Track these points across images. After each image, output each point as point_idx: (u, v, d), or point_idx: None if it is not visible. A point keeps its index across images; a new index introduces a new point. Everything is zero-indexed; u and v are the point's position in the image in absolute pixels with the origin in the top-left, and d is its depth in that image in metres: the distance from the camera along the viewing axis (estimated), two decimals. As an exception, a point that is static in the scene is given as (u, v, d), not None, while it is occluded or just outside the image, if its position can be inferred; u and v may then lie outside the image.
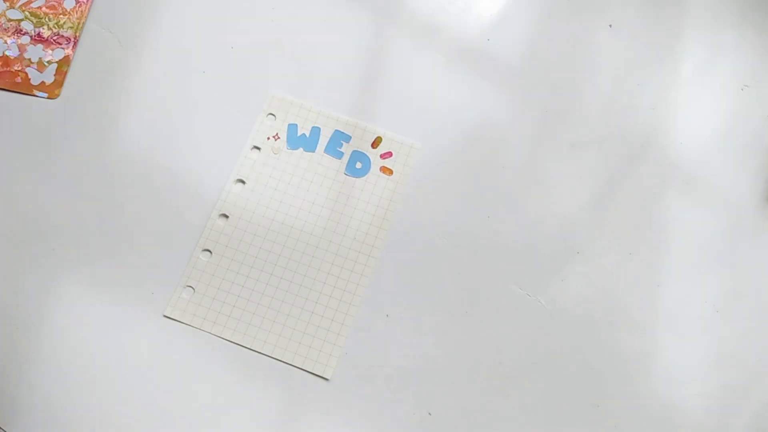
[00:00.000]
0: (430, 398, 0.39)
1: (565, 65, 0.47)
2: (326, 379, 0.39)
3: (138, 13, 0.47)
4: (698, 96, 0.47)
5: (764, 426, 0.40)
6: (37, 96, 0.45)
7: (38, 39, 0.46)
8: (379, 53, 0.47)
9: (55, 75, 0.46)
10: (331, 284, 0.41)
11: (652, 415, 0.40)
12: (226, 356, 0.40)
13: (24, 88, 0.45)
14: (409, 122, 0.45)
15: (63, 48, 0.46)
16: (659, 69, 0.47)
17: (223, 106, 0.45)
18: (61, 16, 0.47)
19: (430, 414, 0.39)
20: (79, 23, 0.47)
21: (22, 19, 0.47)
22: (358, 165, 0.44)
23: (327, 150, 0.44)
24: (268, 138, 0.44)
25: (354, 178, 0.44)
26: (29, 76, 0.45)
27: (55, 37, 0.46)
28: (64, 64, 0.46)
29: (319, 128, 0.45)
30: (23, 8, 0.47)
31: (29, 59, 0.46)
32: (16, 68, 0.46)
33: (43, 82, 0.45)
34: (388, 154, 0.44)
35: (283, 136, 0.44)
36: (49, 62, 0.46)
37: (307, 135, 0.45)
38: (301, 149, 0.44)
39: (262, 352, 0.40)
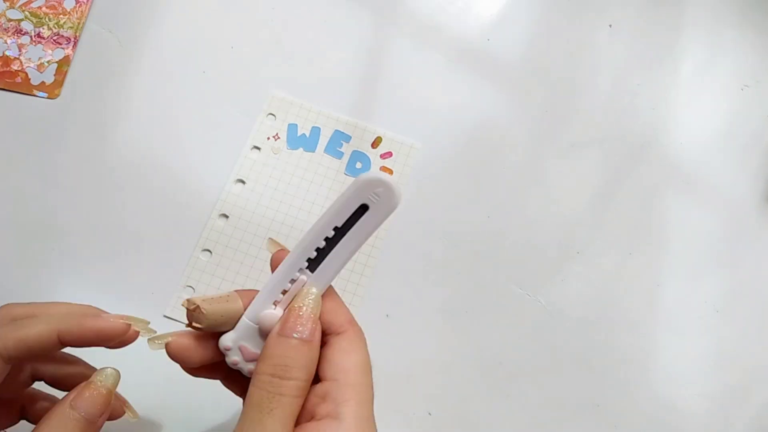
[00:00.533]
0: (430, 398, 0.39)
1: (565, 65, 0.47)
2: (326, 379, 0.39)
3: (138, 13, 0.47)
4: (698, 96, 0.47)
5: (764, 426, 0.40)
6: (37, 96, 0.45)
7: (38, 39, 0.46)
8: (379, 53, 0.47)
9: (55, 75, 0.46)
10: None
11: (652, 415, 0.40)
12: (226, 356, 0.40)
13: (24, 88, 0.45)
14: (409, 122, 0.45)
15: (63, 48, 0.46)
16: (659, 69, 0.47)
17: (223, 106, 0.45)
18: (61, 16, 0.47)
19: (430, 414, 0.39)
20: (79, 23, 0.47)
21: (22, 19, 0.47)
22: (358, 165, 0.44)
23: (327, 150, 0.44)
24: (268, 138, 0.44)
25: (354, 179, 0.44)
26: (29, 76, 0.45)
27: (55, 37, 0.46)
28: (64, 64, 0.46)
29: (319, 128, 0.45)
30: (23, 8, 0.47)
31: (29, 59, 0.46)
32: (16, 68, 0.46)
33: (43, 82, 0.45)
34: (388, 154, 0.44)
35: (283, 136, 0.44)
36: (49, 62, 0.46)
37: (307, 135, 0.45)
38: (301, 149, 0.44)
39: (262, 352, 0.40)
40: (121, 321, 0.30)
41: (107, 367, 0.30)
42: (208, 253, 0.42)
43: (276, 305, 0.28)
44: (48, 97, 0.45)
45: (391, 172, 0.44)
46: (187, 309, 0.28)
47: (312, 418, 0.27)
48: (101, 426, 0.29)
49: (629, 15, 0.49)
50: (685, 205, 0.44)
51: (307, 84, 0.46)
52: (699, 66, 0.47)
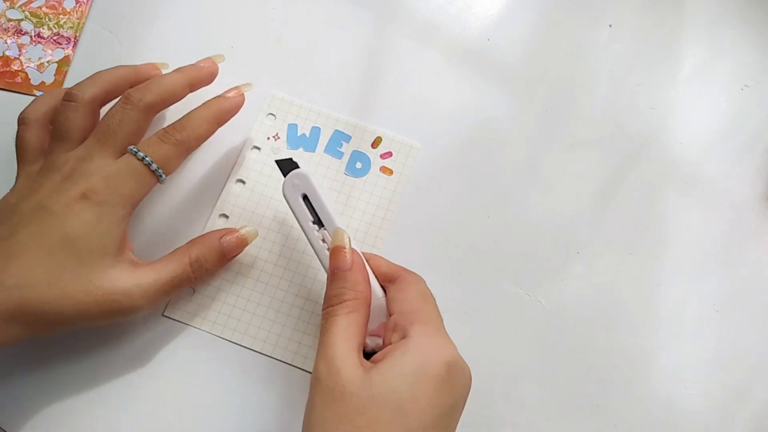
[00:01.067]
0: (430, 398, 0.39)
1: (565, 65, 0.47)
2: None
3: (138, 13, 0.47)
4: (698, 96, 0.47)
5: (764, 426, 0.40)
6: (37, 96, 0.45)
7: (38, 39, 0.46)
8: (379, 53, 0.47)
9: (55, 75, 0.46)
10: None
11: (652, 415, 0.40)
12: (226, 356, 0.40)
13: (24, 88, 0.45)
14: (409, 122, 0.45)
15: (63, 48, 0.46)
16: (659, 69, 0.47)
17: (222, 106, 0.45)
18: (61, 16, 0.47)
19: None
20: (79, 23, 0.47)
21: (22, 19, 0.47)
22: (358, 165, 0.44)
23: (327, 150, 0.44)
24: (268, 138, 0.44)
25: (354, 178, 0.44)
26: (29, 76, 0.45)
27: (55, 37, 0.46)
28: (64, 64, 0.46)
29: (319, 128, 0.45)
30: (23, 8, 0.47)
31: (29, 59, 0.46)
32: (16, 68, 0.46)
33: (43, 82, 0.45)
34: (388, 154, 0.44)
35: (283, 136, 0.44)
36: (49, 62, 0.46)
37: (307, 135, 0.45)
38: (301, 149, 0.44)
39: (262, 352, 0.40)
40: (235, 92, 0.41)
41: (248, 227, 0.40)
42: (208, 253, 0.42)
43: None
44: (48, 97, 0.45)
45: (391, 172, 0.44)
46: None
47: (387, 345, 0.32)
48: (230, 259, 0.39)
49: (629, 15, 0.49)
50: (685, 204, 0.44)
51: (307, 84, 0.46)
52: (699, 66, 0.47)
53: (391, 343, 0.32)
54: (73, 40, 0.47)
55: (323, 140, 0.44)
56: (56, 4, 0.47)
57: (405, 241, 0.42)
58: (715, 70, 0.47)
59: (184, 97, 0.39)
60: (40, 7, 0.47)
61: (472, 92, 0.46)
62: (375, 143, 0.44)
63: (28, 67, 0.46)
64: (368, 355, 0.33)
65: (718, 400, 0.40)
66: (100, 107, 0.38)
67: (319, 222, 0.37)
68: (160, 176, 0.36)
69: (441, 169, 0.44)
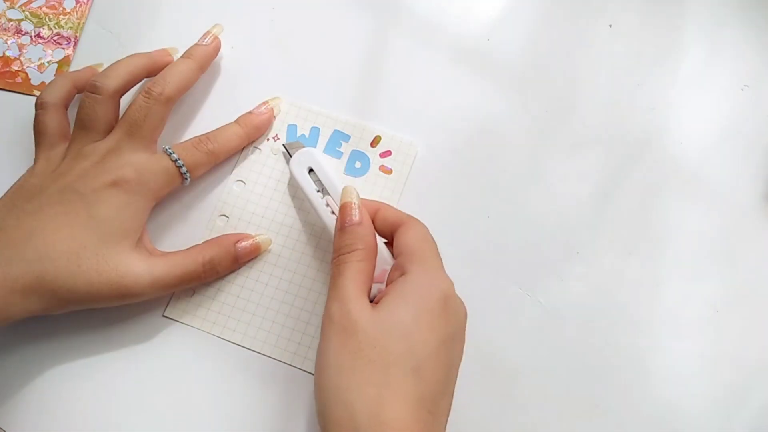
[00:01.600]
0: (430, 398, 0.39)
1: (565, 65, 0.47)
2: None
3: (138, 13, 0.48)
4: (698, 96, 0.47)
5: (764, 426, 0.40)
6: (37, 96, 0.45)
7: (38, 39, 0.46)
8: (379, 53, 0.47)
9: (55, 75, 0.46)
10: (330, 284, 0.41)
11: (652, 415, 0.40)
12: (226, 356, 0.40)
13: (24, 88, 0.45)
14: (408, 122, 0.45)
15: (63, 48, 0.46)
16: (659, 69, 0.47)
17: (223, 106, 0.45)
18: (61, 16, 0.47)
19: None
20: (79, 23, 0.47)
21: (22, 19, 0.47)
22: (358, 164, 0.44)
23: (326, 150, 0.44)
24: (268, 139, 0.44)
25: (354, 178, 0.44)
26: (29, 76, 0.45)
27: (55, 37, 0.47)
28: (64, 64, 0.46)
29: (319, 128, 0.45)
30: (23, 8, 0.47)
31: (29, 59, 0.46)
32: (16, 68, 0.46)
33: (43, 82, 0.45)
34: (388, 153, 0.44)
35: (283, 136, 0.44)
36: (50, 62, 0.46)
37: (307, 135, 0.45)
38: (300, 149, 0.44)
39: (261, 352, 0.40)
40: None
41: (263, 234, 0.42)
42: (207, 253, 0.42)
43: None
44: (48, 97, 0.45)
45: (390, 171, 0.44)
46: None
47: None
48: (242, 265, 0.41)
49: (629, 15, 0.49)
50: (685, 204, 0.44)
51: (307, 84, 0.46)
52: (699, 66, 0.47)
53: (392, 279, 0.34)
54: (73, 40, 0.47)
55: (322, 140, 0.44)
56: (56, 4, 0.47)
57: (405, 241, 0.42)
58: (715, 70, 0.47)
59: (197, 80, 0.42)
60: (40, 7, 0.47)
61: (472, 92, 0.46)
62: (374, 142, 0.44)
63: (28, 67, 0.46)
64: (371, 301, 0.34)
65: (718, 400, 0.40)
66: (121, 97, 0.40)
67: (324, 190, 0.40)
68: (186, 179, 0.40)
69: (440, 168, 0.44)
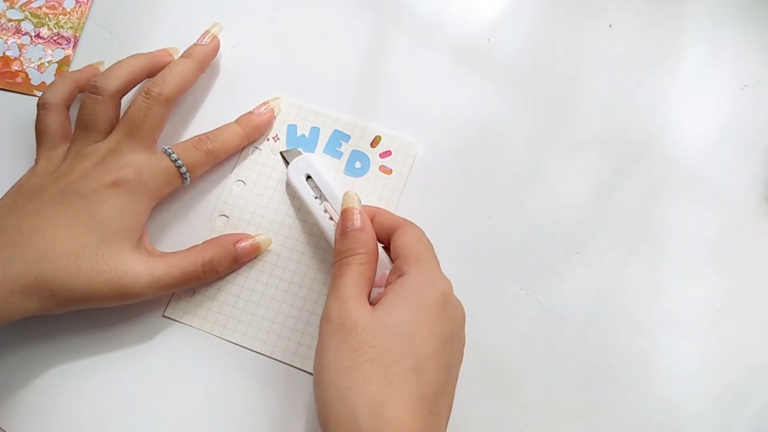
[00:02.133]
0: (430, 398, 0.39)
1: (565, 65, 0.47)
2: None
3: (138, 13, 0.48)
4: (698, 96, 0.47)
5: (764, 426, 0.40)
6: (37, 96, 0.45)
7: (38, 39, 0.46)
8: (379, 53, 0.47)
9: (55, 75, 0.46)
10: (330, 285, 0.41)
11: (652, 414, 0.40)
12: (226, 356, 0.40)
13: (24, 88, 0.45)
14: (408, 122, 0.45)
15: (63, 48, 0.46)
16: (659, 69, 0.47)
17: (223, 106, 0.45)
18: (61, 16, 0.47)
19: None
20: (79, 23, 0.47)
21: (22, 19, 0.47)
22: (358, 164, 0.44)
23: (326, 150, 0.44)
24: (268, 139, 0.44)
25: (354, 178, 0.44)
26: (29, 76, 0.45)
27: (55, 37, 0.47)
28: (64, 64, 0.46)
29: (319, 128, 0.45)
30: (23, 8, 0.47)
31: (29, 59, 0.46)
32: (16, 68, 0.46)
33: (43, 83, 0.45)
34: (388, 153, 0.44)
35: (283, 137, 0.44)
36: (50, 62, 0.46)
37: (307, 135, 0.45)
38: (300, 150, 0.44)
39: (261, 352, 0.40)
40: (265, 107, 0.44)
41: (263, 234, 0.42)
42: (207, 253, 0.42)
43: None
44: (48, 97, 0.45)
45: (390, 171, 0.44)
46: None
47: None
48: (241, 265, 0.41)
49: (629, 15, 0.49)
50: (685, 204, 0.44)
51: (307, 84, 0.46)
52: (699, 66, 0.47)
53: (390, 284, 0.34)
54: (73, 40, 0.47)
55: (322, 140, 0.44)
56: (56, 4, 0.47)
57: (405, 241, 0.42)
58: (715, 70, 0.47)
59: (196, 80, 0.43)
60: (40, 7, 0.47)
61: (472, 92, 0.46)
62: (374, 142, 0.44)
63: (28, 67, 0.46)
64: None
65: (718, 400, 0.40)
66: (122, 97, 0.41)
67: (322, 197, 0.41)
68: (186, 179, 0.40)
69: (440, 169, 0.44)
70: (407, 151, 0.44)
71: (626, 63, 0.47)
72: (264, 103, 0.44)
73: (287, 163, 0.43)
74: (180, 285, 0.38)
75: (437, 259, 0.36)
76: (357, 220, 0.36)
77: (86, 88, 0.39)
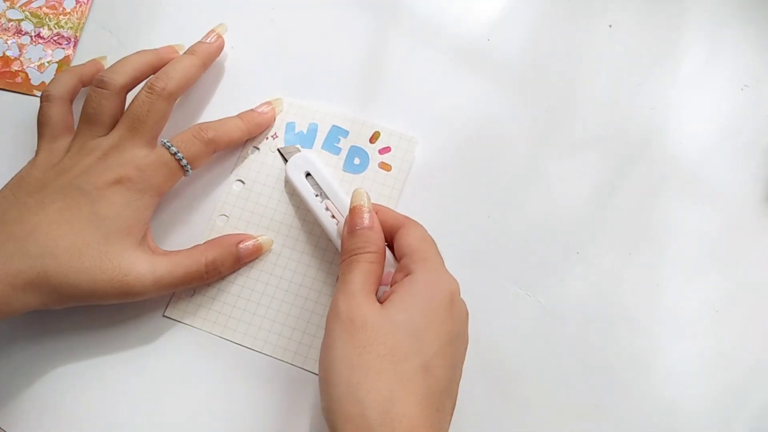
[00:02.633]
0: (430, 398, 0.39)
1: (565, 65, 0.47)
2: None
3: (138, 13, 0.48)
4: (698, 96, 0.47)
5: (764, 426, 0.40)
6: (37, 96, 0.45)
7: (38, 39, 0.46)
8: (378, 53, 0.47)
9: (55, 75, 0.46)
10: (331, 283, 0.41)
11: (652, 414, 0.40)
12: (227, 356, 0.40)
13: (24, 88, 0.45)
14: (408, 121, 0.45)
15: (63, 48, 0.46)
16: (659, 69, 0.47)
17: (222, 106, 0.45)
18: (61, 16, 0.47)
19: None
20: (79, 23, 0.47)
21: (22, 19, 0.47)
22: (357, 161, 0.44)
23: (324, 146, 0.44)
24: (267, 138, 0.44)
25: (353, 175, 0.44)
26: (29, 76, 0.46)
27: (55, 37, 0.47)
28: (64, 64, 0.46)
29: (317, 124, 0.45)
30: (23, 8, 0.47)
31: (29, 59, 0.46)
32: (16, 68, 0.46)
33: (43, 83, 0.45)
34: (387, 149, 0.44)
35: (281, 134, 0.44)
36: (50, 62, 0.46)
37: (305, 132, 0.45)
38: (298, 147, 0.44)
39: (262, 351, 0.40)
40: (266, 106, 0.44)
41: (265, 235, 0.42)
42: (207, 252, 0.42)
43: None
44: (48, 97, 0.45)
45: (389, 168, 0.44)
46: None
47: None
48: (243, 265, 0.41)
49: (629, 15, 0.49)
50: (685, 205, 0.44)
51: (307, 84, 0.46)
52: (699, 66, 0.47)
53: (397, 283, 0.34)
54: (73, 40, 0.47)
55: (320, 136, 0.44)
56: (56, 4, 0.47)
57: (405, 241, 0.42)
58: (715, 70, 0.47)
59: (200, 77, 0.43)
60: (40, 7, 0.47)
61: (472, 92, 0.46)
62: (373, 138, 0.44)
63: (28, 67, 0.46)
64: None
65: (718, 400, 0.40)
66: (127, 93, 0.40)
67: (322, 194, 0.41)
68: (188, 171, 0.39)
69: (440, 169, 0.44)
70: (407, 147, 0.44)
71: (626, 63, 0.47)
72: (266, 103, 0.44)
73: (285, 160, 0.43)
74: (182, 284, 0.38)
75: (442, 257, 0.36)
76: (366, 219, 0.36)
77: (93, 82, 0.39)
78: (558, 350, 0.41)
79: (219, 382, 0.39)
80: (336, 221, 0.40)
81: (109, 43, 0.47)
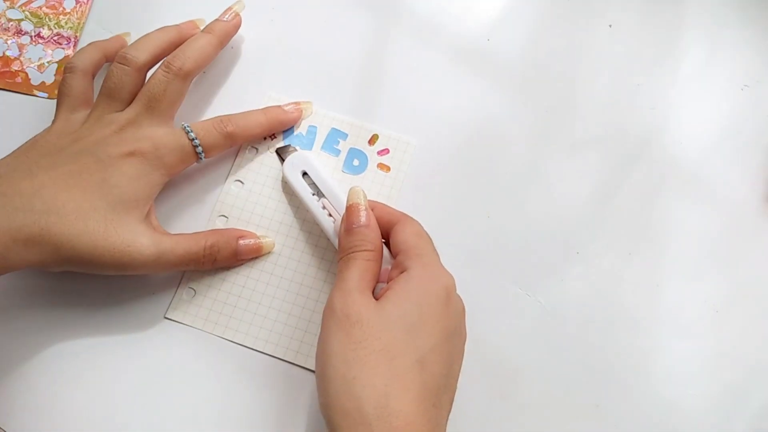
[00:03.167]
0: (430, 398, 0.39)
1: (565, 65, 0.47)
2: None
3: (138, 13, 0.48)
4: (698, 96, 0.47)
5: (764, 426, 0.40)
6: (37, 96, 0.45)
7: (38, 39, 0.46)
8: (378, 53, 0.47)
9: (55, 75, 0.46)
10: (331, 282, 0.41)
11: (652, 414, 0.40)
12: (228, 356, 0.40)
13: (24, 88, 0.45)
14: (407, 121, 0.45)
15: (63, 48, 0.46)
16: (659, 69, 0.47)
17: (222, 106, 0.45)
18: (61, 16, 0.47)
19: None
20: (79, 23, 0.47)
21: (22, 19, 0.47)
22: (356, 162, 0.44)
23: (324, 148, 0.44)
24: (265, 138, 0.44)
25: (352, 176, 0.44)
26: (29, 76, 0.46)
27: (55, 37, 0.47)
28: (63, 64, 0.46)
29: (316, 127, 0.45)
30: (23, 8, 0.47)
31: (29, 59, 0.46)
32: (16, 68, 0.46)
33: (43, 82, 0.45)
34: (386, 151, 0.44)
35: (280, 135, 0.45)
36: (50, 62, 0.46)
37: (304, 134, 0.45)
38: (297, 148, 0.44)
39: (263, 351, 0.40)
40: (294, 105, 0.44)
41: (268, 238, 0.42)
42: (207, 252, 0.42)
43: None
44: (48, 97, 0.45)
45: (388, 169, 0.44)
46: None
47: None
48: (240, 262, 0.41)
49: (629, 15, 0.49)
50: (685, 205, 0.44)
51: (306, 84, 0.46)
52: (699, 66, 0.47)
53: (393, 279, 0.34)
54: (73, 40, 0.47)
55: (319, 138, 0.44)
56: (56, 4, 0.47)
57: (405, 241, 0.42)
58: (715, 70, 0.47)
59: (216, 56, 0.43)
60: (40, 7, 0.47)
61: (472, 92, 0.46)
62: (372, 140, 0.44)
63: (28, 67, 0.46)
64: None
65: (718, 400, 0.40)
66: (148, 70, 0.41)
67: (319, 193, 0.41)
68: (201, 158, 0.40)
69: (440, 168, 0.44)
70: (405, 149, 0.44)
71: (626, 63, 0.47)
72: (295, 103, 0.44)
73: (282, 160, 0.43)
74: (181, 265, 0.39)
75: (437, 252, 0.36)
76: (363, 217, 0.36)
77: (115, 58, 0.40)
78: (558, 350, 0.41)
79: (220, 382, 0.39)
80: (333, 220, 0.40)
81: (109, 43, 0.47)
